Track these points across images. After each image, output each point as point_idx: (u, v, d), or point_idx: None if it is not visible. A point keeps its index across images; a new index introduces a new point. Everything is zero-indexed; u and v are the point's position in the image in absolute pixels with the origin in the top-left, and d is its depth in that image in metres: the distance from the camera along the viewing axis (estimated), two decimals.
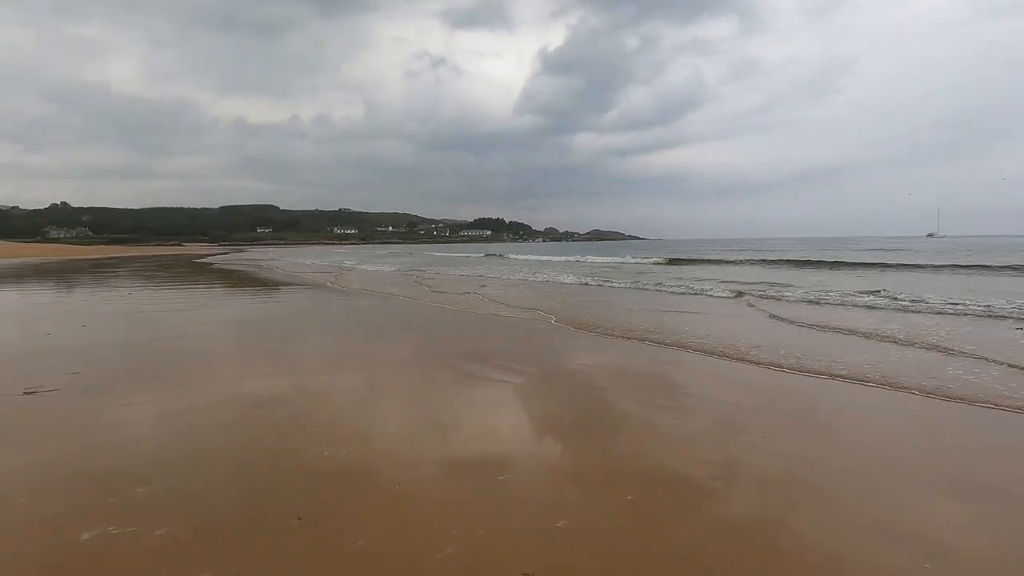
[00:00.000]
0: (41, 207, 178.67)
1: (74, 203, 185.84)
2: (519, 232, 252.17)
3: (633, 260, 28.34)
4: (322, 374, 4.77)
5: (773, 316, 8.09)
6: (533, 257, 35.42)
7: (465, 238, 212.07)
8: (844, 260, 22.16)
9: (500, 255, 39.49)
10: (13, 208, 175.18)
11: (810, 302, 9.69)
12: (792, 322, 7.54)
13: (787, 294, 10.77)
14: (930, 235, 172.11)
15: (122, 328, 7.27)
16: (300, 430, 3.28)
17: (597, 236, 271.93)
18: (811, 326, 7.19)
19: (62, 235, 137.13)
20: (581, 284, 14.29)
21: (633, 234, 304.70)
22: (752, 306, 9.30)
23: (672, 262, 25.35)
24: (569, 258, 33.06)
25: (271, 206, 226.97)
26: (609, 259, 30.56)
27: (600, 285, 13.92)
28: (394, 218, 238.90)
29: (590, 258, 32.33)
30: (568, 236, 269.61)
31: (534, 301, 10.39)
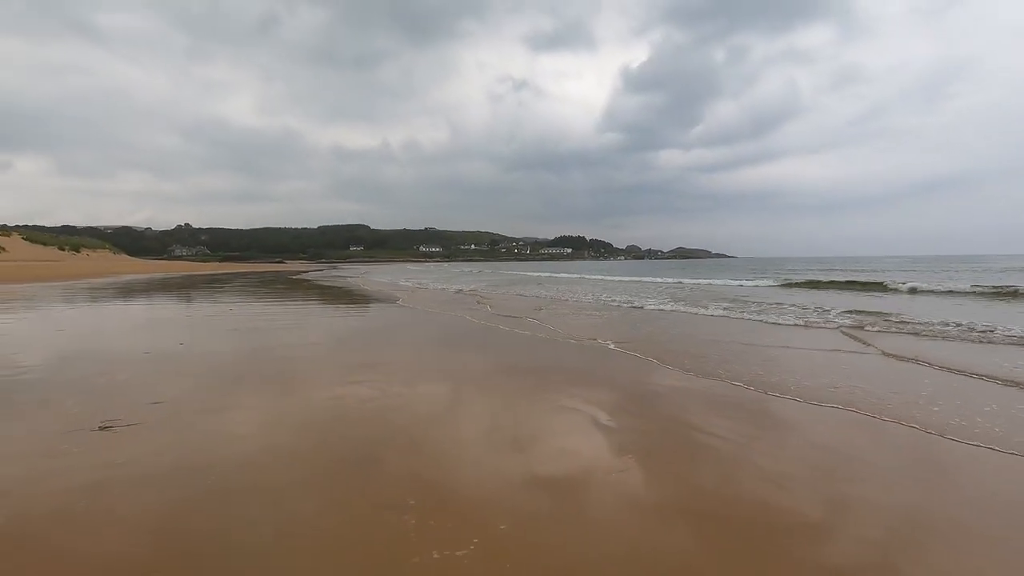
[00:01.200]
0: (169, 228, 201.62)
1: (195, 224, 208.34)
2: (600, 250, 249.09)
3: (720, 282, 24.64)
4: (399, 410, 4.06)
5: (887, 354, 6.46)
6: (612, 277, 31.91)
7: (546, 256, 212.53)
8: (984, 287, 16.54)
9: (578, 275, 36.57)
10: (147, 229, 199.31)
11: (928, 336, 7.84)
12: (910, 360, 6.05)
13: (904, 326, 8.78)
14: None
15: (216, 347, 7.11)
16: (396, 500, 2.54)
17: (682, 254, 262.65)
18: (932, 366, 5.70)
19: (184, 253, 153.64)
20: (663, 310, 12.24)
21: (721, 252, 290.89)
22: (861, 340, 7.57)
23: (774, 284, 22.00)
24: (652, 279, 28.91)
25: (363, 225, 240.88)
26: (694, 280, 26.51)
27: (679, 311, 11.91)
28: (477, 236, 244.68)
29: (674, 279, 28.29)
30: (651, 254, 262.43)
31: (597, 330, 9.24)
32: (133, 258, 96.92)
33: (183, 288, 22.49)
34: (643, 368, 5.80)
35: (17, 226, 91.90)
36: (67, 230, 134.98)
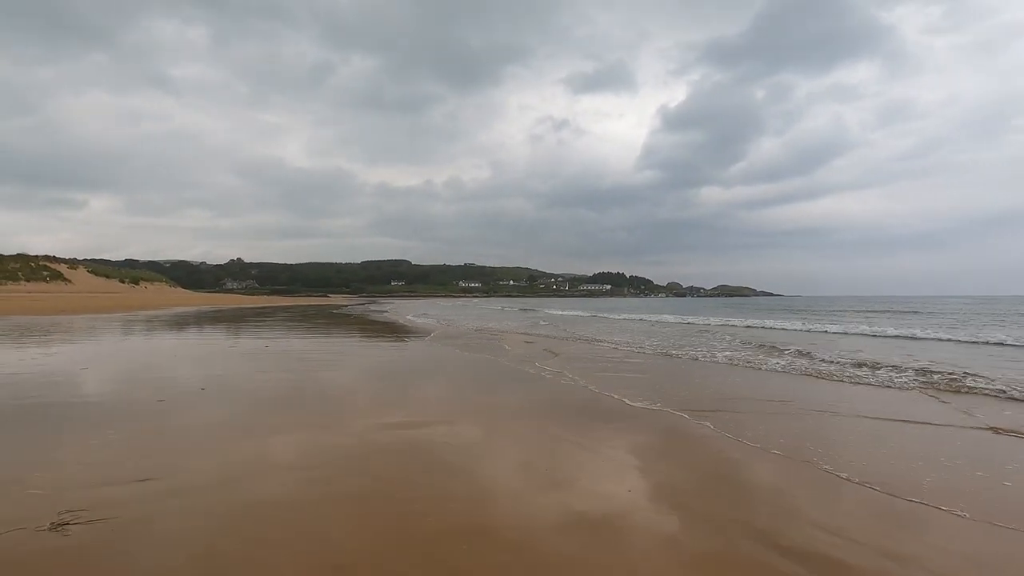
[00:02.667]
0: (222, 262, 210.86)
1: (246, 259, 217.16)
2: (640, 287, 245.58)
3: (767, 324, 21.09)
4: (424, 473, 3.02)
5: (1000, 430, 4.92)
6: (648, 317, 28.48)
7: (584, 292, 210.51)
8: None
9: (615, 315, 32.22)
10: (202, 263, 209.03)
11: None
12: None
13: (991, 385, 6.96)
14: None
15: (241, 393, 6.29)
16: None
17: (725, 292, 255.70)
18: None
19: (235, 286, 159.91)
20: (716, 360, 10.00)
21: (766, 290, 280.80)
22: (952, 406, 6.00)
23: (831, 331, 18.11)
24: (694, 319, 24.80)
25: (404, 261, 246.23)
26: (739, 322, 22.65)
27: (729, 363, 9.56)
28: (515, 272, 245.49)
29: (718, 320, 24.34)
30: (693, 291, 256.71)
31: (622, 382, 8.03)
32: (187, 291, 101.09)
33: (226, 321, 22.41)
34: (698, 444, 4.55)
35: (85, 259, 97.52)
36: (130, 263, 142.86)
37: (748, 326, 20.70)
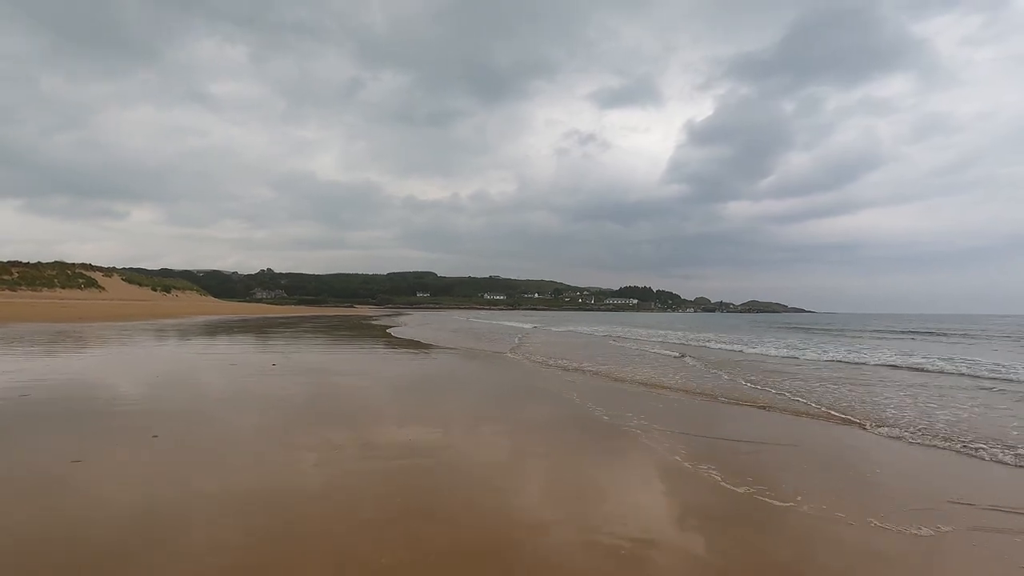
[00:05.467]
0: (253, 272, 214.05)
1: (277, 269, 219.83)
2: (667, 302, 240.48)
3: (823, 352, 14.88)
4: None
5: None
6: (679, 335, 24.17)
7: (610, 306, 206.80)
8: None
9: (645, 330, 29.11)
10: (233, 273, 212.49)
11: None
12: None
13: None
14: None
15: (201, 455, 4.34)
16: None
17: (754, 308, 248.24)
18: None
19: (264, 296, 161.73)
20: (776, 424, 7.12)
21: (797, 306, 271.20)
22: None
23: (928, 367, 13.57)
24: (735, 344, 17.95)
25: (430, 273, 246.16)
26: (777, 351, 15.50)
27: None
28: (540, 285, 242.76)
29: (748, 343, 18.65)
30: (722, 307, 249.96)
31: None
32: (217, 300, 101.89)
33: (245, 332, 20.84)
34: None
35: (122, 268, 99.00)
36: (165, 272, 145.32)
37: (811, 359, 15.90)
